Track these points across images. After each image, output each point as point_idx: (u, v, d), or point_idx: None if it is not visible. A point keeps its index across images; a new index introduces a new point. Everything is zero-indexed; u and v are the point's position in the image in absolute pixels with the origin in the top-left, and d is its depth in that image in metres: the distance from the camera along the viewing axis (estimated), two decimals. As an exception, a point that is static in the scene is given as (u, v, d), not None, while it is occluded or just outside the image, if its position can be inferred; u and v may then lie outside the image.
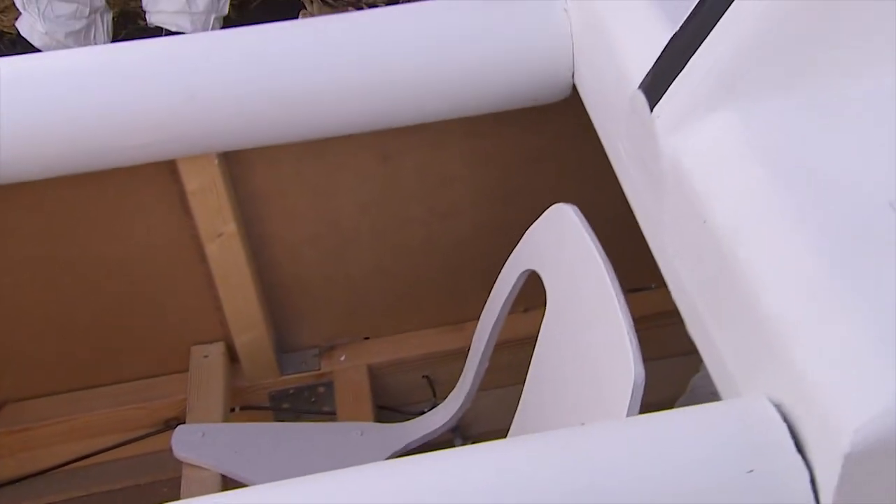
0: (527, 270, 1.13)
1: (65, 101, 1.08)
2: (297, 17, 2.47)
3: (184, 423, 1.38)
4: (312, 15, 2.48)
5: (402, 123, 1.22)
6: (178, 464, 1.29)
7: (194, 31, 2.40)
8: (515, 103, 1.19)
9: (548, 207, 1.07)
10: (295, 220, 1.37)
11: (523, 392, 1.14)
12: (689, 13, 0.81)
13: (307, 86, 1.15)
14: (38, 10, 2.38)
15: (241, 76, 1.14)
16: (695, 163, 0.79)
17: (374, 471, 0.71)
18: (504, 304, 1.17)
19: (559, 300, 1.07)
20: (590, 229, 1.00)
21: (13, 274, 1.30)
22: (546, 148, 1.37)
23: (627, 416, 0.83)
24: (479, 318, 1.24)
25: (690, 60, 0.79)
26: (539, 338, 1.10)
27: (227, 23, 2.48)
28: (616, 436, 0.71)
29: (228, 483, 1.26)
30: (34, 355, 1.40)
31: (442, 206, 1.40)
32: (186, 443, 1.27)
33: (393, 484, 0.68)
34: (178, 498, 1.26)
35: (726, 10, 0.77)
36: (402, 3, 1.29)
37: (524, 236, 1.13)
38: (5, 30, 2.57)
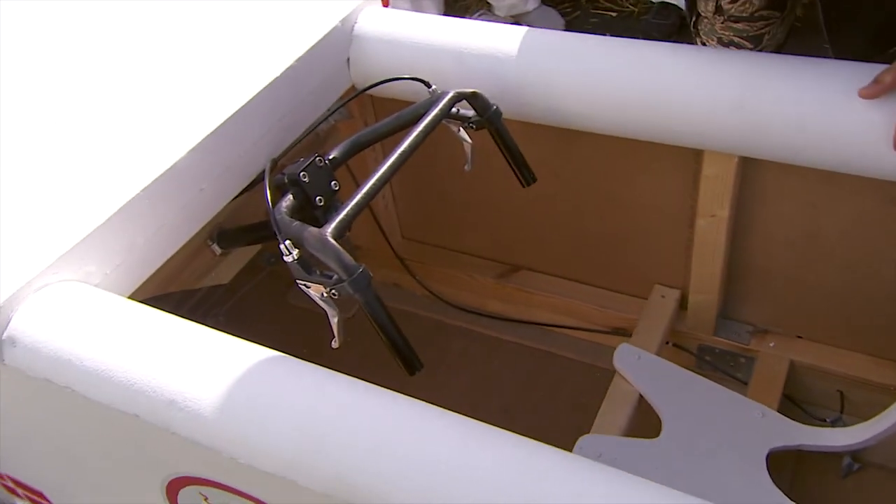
0: None
1: (649, 84, 0.99)
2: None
3: (628, 335, 1.29)
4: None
5: None
6: (611, 360, 1.20)
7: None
8: None
9: None
10: (780, 223, 1.14)
11: None
12: None
13: (836, 123, 0.89)
14: None
15: (781, 99, 0.92)
16: None
17: None
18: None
19: None
20: None
21: (550, 191, 1.28)
22: None
23: None
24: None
25: None
26: None
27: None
28: None
29: (642, 401, 1.15)
30: (551, 246, 1.40)
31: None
32: (625, 358, 1.18)
33: None
34: (607, 382, 1.20)
35: None
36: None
37: None
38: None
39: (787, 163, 0.97)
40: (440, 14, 2.55)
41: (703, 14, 1.05)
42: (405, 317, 1.62)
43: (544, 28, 2.51)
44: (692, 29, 1.09)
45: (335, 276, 0.74)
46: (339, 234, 0.78)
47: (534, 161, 1.07)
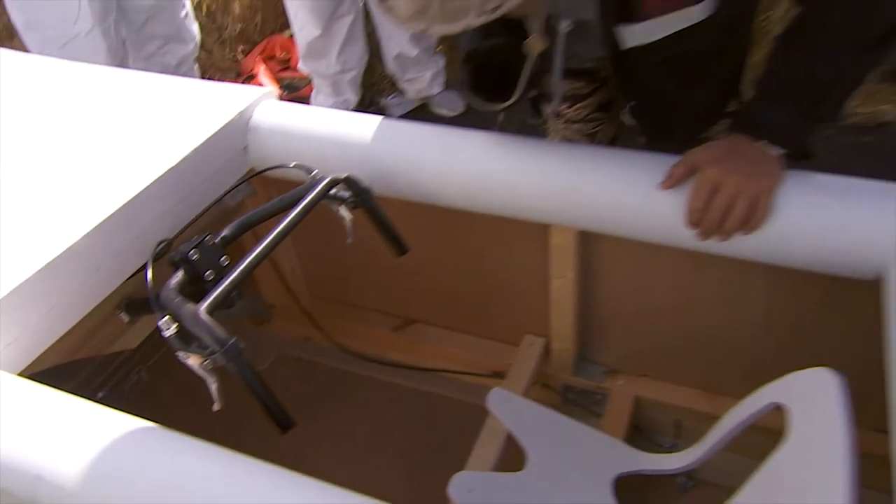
0: (777, 404, 0.88)
1: (501, 170, 1.07)
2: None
3: (503, 377, 1.35)
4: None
5: (725, 254, 1.01)
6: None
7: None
8: (821, 270, 0.93)
9: (818, 354, 0.84)
10: (617, 283, 1.25)
11: (745, 487, 0.90)
12: None
13: (648, 205, 1.01)
14: None
15: (607, 184, 1.03)
16: None
17: None
18: (747, 419, 0.94)
19: (797, 442, 0.83)
20: (849, 402, 0.74)
21: (433, 256, 1.35)
22: (830, 310, 1.06)
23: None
24: (731, 396, 1.03)
25: None
26: (772, 457, 0.87)
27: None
28: None
29: (511, 439, 1.20)
30: (437, 302, 1.47)
31: (734, 314, 1.18)
32: (498, 402, 1.24)
33: None
34: (481, 421, 1.25)
35: None
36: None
37: (788, 377, 0.88)
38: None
39: (616, 235, 1.07)
40: (357, 97, 2.65)
41: (545, 117, 1.15)
42: (315, 368, 1.65)
43: (448, 107, 2.65)
44: (539, 128, 1.20)
45: (210, 348, 0.78)
46: (214, 309, 0.81)
47: (413, 233, 1.14)
